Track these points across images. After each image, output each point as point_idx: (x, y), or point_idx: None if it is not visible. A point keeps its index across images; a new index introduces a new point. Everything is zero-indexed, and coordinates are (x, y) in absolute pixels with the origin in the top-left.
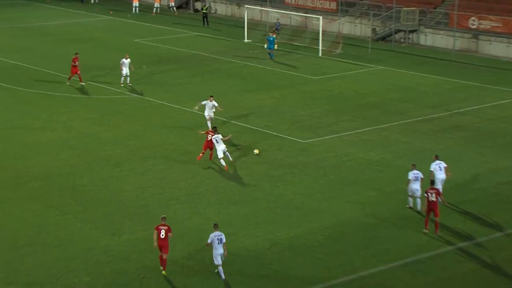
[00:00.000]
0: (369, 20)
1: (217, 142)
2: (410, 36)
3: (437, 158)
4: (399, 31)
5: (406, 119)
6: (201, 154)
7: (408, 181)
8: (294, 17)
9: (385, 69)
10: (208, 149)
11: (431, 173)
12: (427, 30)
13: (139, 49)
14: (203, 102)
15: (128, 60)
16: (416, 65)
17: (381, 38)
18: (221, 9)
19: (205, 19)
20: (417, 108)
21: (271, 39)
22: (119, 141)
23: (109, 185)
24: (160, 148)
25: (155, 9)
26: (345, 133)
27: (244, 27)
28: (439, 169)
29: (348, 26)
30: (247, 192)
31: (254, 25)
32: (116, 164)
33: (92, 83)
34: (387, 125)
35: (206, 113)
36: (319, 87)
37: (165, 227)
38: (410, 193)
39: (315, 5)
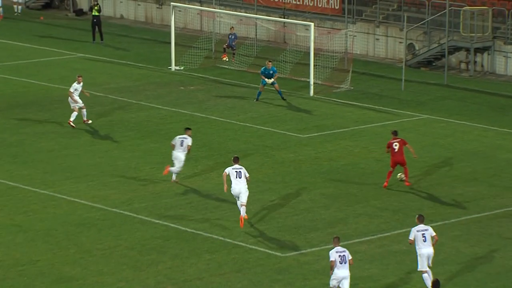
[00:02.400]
0: (401, 30)
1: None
2: (478, 60)
3: (422, 220)
4: (457, 49)
5: (474, 213)
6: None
7: (411, 242)
8: (263, 25)
9: (432, 120)
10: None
11: (410, 241)
12: (509, 47)
13: None
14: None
15: (81, 84)
16: (491, 112)
17: (425, 63)
18: (129, 11)
19: (97, 28)
20: (494, 192)
21: (270, 72)
22: None
23: None
24: (11, 271)
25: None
26: (360, 239)
27: (170, 43)
28: (422, 240)
29: (363, 40)
30: None
31: (188, 39)
32: None
33: None
34: (439, 223)
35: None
36: (310, 153)
37: None
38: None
39: (301, 2)
